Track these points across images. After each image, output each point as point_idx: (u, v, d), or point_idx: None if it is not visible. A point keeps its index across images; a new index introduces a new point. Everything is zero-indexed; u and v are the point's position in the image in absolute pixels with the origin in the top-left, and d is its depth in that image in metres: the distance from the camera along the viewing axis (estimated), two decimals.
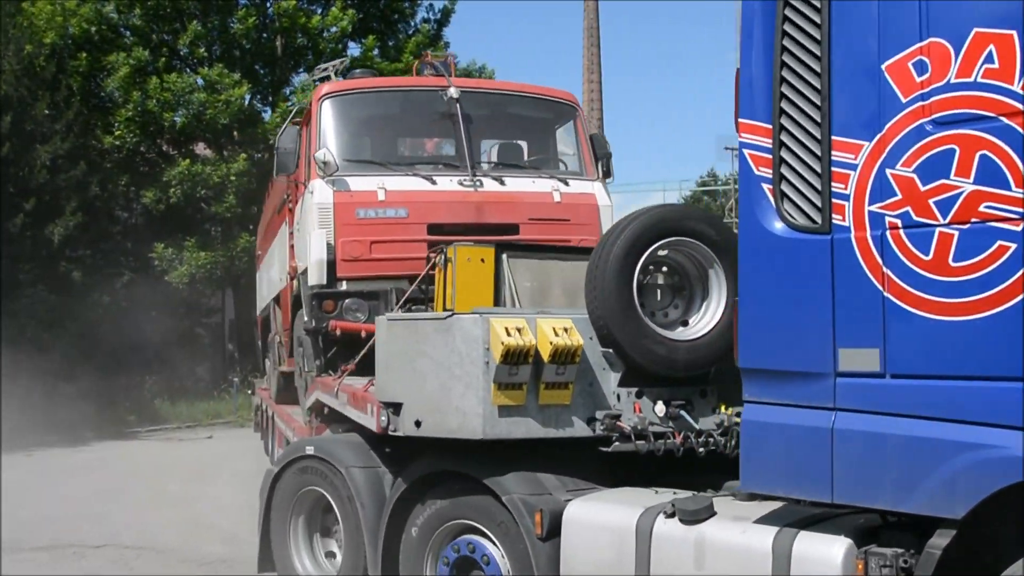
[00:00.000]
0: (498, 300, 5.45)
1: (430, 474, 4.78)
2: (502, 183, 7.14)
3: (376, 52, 22.09)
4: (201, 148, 22.79)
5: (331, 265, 6.69)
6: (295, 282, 7.77)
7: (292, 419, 8.84)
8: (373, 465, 5.21)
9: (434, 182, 7.00)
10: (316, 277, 6.75)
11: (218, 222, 22.09)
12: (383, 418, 4.60)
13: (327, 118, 7.14)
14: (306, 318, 7.07)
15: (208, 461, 13.89)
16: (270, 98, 22.34)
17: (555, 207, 7.20)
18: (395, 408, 4.58)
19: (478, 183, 7.01)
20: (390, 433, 4.59)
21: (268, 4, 21.56)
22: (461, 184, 6.98)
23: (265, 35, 21.83)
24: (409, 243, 6.78)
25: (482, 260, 5.50)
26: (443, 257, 5.64)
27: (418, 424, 4.42)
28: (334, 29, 21.51)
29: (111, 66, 20.49)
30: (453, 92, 7.15)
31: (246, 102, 21.41)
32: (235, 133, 21.46)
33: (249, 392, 18.07)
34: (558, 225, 7.12)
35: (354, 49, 22.57)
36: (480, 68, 23.48)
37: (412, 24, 23.65)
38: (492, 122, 7.65)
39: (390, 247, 6.83)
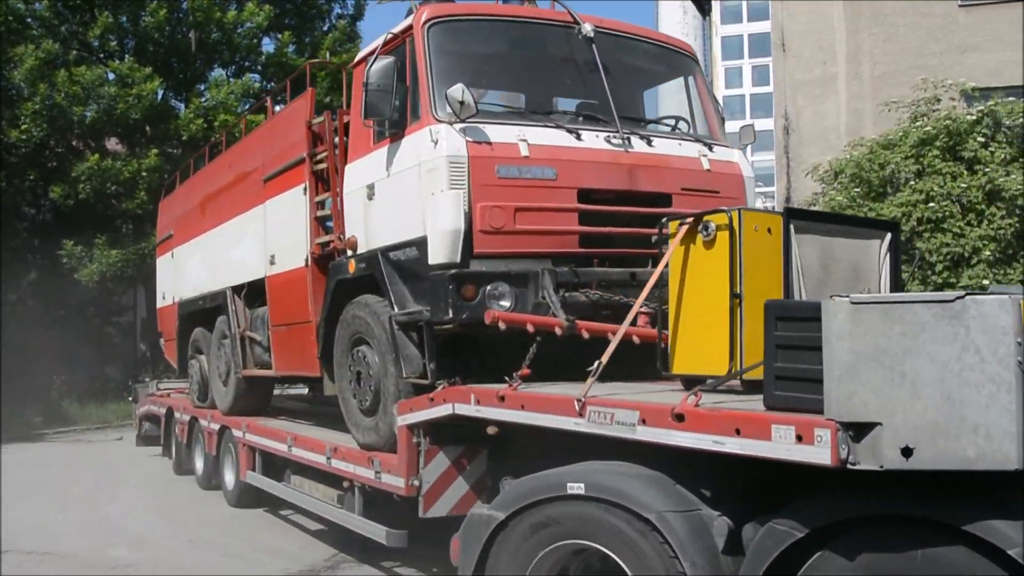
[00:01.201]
0: (788, 283, 4.25)
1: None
2: (650, 144, 5.98)
3: (292, 48, 21.70)
4: (112, 143, 21.94)
5: (467, 237, 5.38)
6: (352, 262, 6.46)
7: (280, 434, 7.96)
8: (693, 508, 3.82)
9: (579, 137, 5.75)
10: (445, 252, 5.40)
11: (129, 219, 21.31)
12: (841, 447, 3.16)
13: (437, 49, 5.78)
14: (415, 307, 5.69)
15: (117, 463, 13.50)
16: (184, 93, 21.59)
17: (704, 176, 6.11)
18: (861, 431, 3.17)
19: (627, 142, 5.87)
20: (851, 467, 3.18)
21: None
22: (609, 142, 5.81)
23: (179, 29, 21.12)
24: (556, 212, 5.57)
25: (769, 230, 4.32)
26: (685, 227, 4.42)
27: (908, 453, 3.11)
28: (249, 24, 20.92)
29: (18, 58, 19.39)
30: (588, 29, 6.03)
31: (159, 97, 20.67)
32: (147, 128, 20.70)
33: (129, 399, 16.05)
34: (708, 198, 5.86)
35: (269, 45, 22.08)
36: None
37: (329, 20, 23.09)
38: (624, 69, 6.32)
39: (535, 217, 5.52)
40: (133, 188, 20.00)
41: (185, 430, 11.43)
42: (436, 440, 5.69)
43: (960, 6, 19.89)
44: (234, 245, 9.45)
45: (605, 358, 4.38)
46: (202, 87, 21.57)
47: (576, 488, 4.09)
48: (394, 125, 6.03)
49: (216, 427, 10.04)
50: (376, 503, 6.62)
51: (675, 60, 6.80)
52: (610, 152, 5.87)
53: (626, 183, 5.89)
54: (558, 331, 5.29)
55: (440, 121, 5.64)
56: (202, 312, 10.76)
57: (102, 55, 21.33)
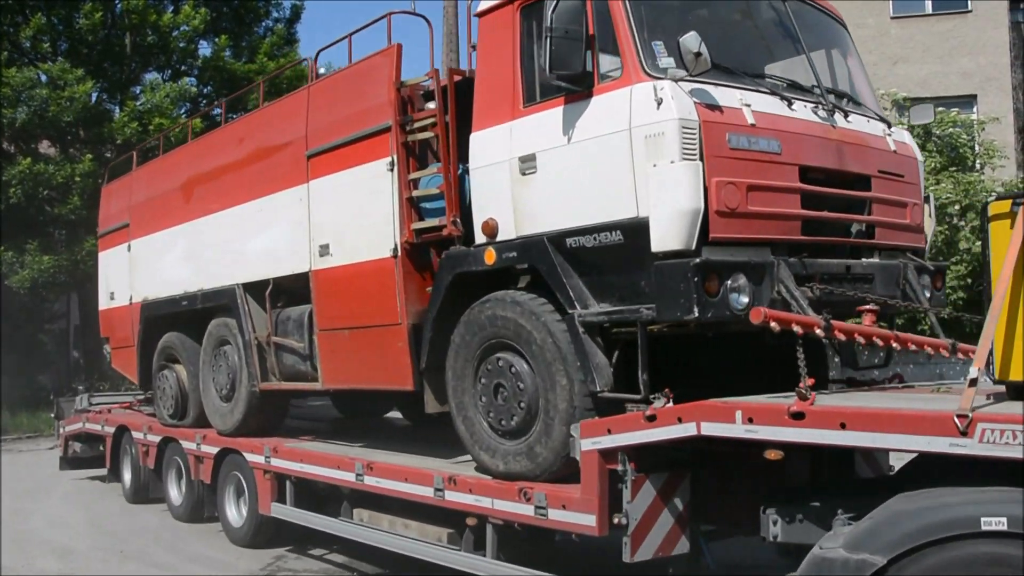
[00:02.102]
0: None
1: None
2: (847, 119, 5.24)
3: (229, 52, 20.81)
4: (44, 146, 20.91)
5: (704, 219, 4.41)
6: (491, 251, 5.34)
7: (338, 461, 6.60)
8: None
9: (791, 106, 4.94)
10: (678, 237, 4.41)
11: (62, 224, 20.06)
12: None
13: None
14: (612, 306, 4.76)
15: (47, 473, 12.47)
16: (118, 96, 20.45)
17: (892, 158, 5.43)
18: None
19: (833, 116, 5.10)
20: None
21: (116, 0, 19.78)
22: (816, 114, 5.03)
23: (114, 31, 20.09)
24: (782, 193, 4.70)
25: None
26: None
27: None
28: (185, 27, 20.03)
29: None
30: None
31: (92, 99, 19.52)
32: (81, 132, 19.61)
33: (52, 416, 13.92)
34: (896, 183, 5.36)
35: (205, 48, 21.26)
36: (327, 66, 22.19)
37: (266, 24, 22.30)
38: (812, 35, 5.52)
39: (763, 197, 4.63)
40: (67, 193, 18.90)
41: (152, 453, 9.60)
42: (641, 467, 4.61)
43: (892, 18, 20.48)
44: (249, 234, 7.85)
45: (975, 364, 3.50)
46: (137, 90, 20.69)
47: (995, 523, 3.18)
48: (577, 81, 4.89)
49: (213, 451, 8.37)
50: (510, 542, 5.48)
51: (838, 29, 5.99)
52: (820, 126, 5.05)
53: (836, 162, 5.06)
54: (818, 332, 4.39)
55: (658, 77, 4.60)
56: (181, 314, 9.05)
57: (34, 57, 20.19)
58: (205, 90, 20.96)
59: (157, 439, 9.46)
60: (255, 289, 7.86)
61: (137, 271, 9.97)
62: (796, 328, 4.28)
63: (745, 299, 4.49)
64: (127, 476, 10.41)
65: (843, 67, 5.86)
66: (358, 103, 6.54)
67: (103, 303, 10.98)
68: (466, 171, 5.75)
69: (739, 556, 5.65)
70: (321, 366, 7.00)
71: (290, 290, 7.49)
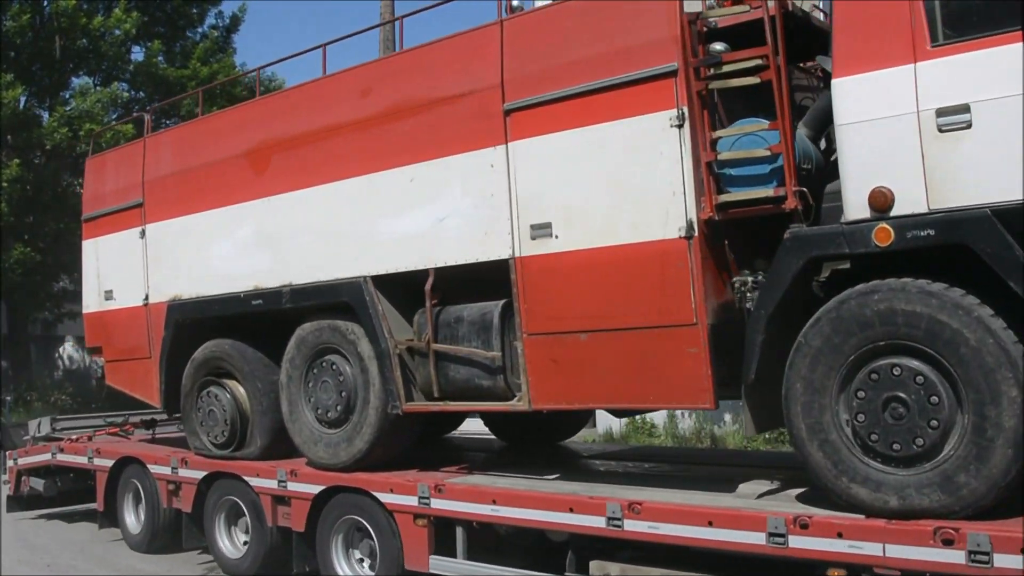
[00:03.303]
0: None
1: None
2: None
3: (161, 57, 20.25)
4: None
5: None
6: (887, 228, 4.15)
7: (529, 499, 5.23)
8: None
9: None
10: None
11: None
12: None
13: None
14: None
15: None
16: (48, 101, 19.67)
17: None
18: None
19: None
20: None
21: (45, 3, 19.01)
22: None
23: (43, 35, 19.20)
24: None
25: None
26: None
27: None
28: (117, 31, 19.29)
29: None
30: None
31: (21, 104, 18.82)
32: (8, 137, 18.80)
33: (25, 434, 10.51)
34: None
35: (138, 53, 20.60)
36: (270, 79, 20.96)
37: (200, 30, 21.70)
38: None
39: None
40: None
41: (189, 492, 7.49)
42: None
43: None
44: (386, 211, 6.13)
45: None
46: (67, 95, 19.83)
47: None
48: None
49: (311, 490, 6.51)
50: None
51: None
52: None
53: None
54: None
55: None
56: (238, 317, 7.13)
57: None
58: (137, 95, 20.43)
59: (198, 475, 7.39)
60: (388, 283, 6.16)
61: (160, 263, 7.85)
62: None
63: None
64: (132, 519, 8.25)
65: None
66: (611, 41, 5.10)
67: (91, 304, 8.65)
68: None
69: None
70: (529, 380, 5.45)
71: (452, 284, 5.88)
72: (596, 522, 5.02)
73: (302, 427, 6.66)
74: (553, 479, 5.90)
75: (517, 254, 5.46)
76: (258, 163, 7.02)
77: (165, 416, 9.13)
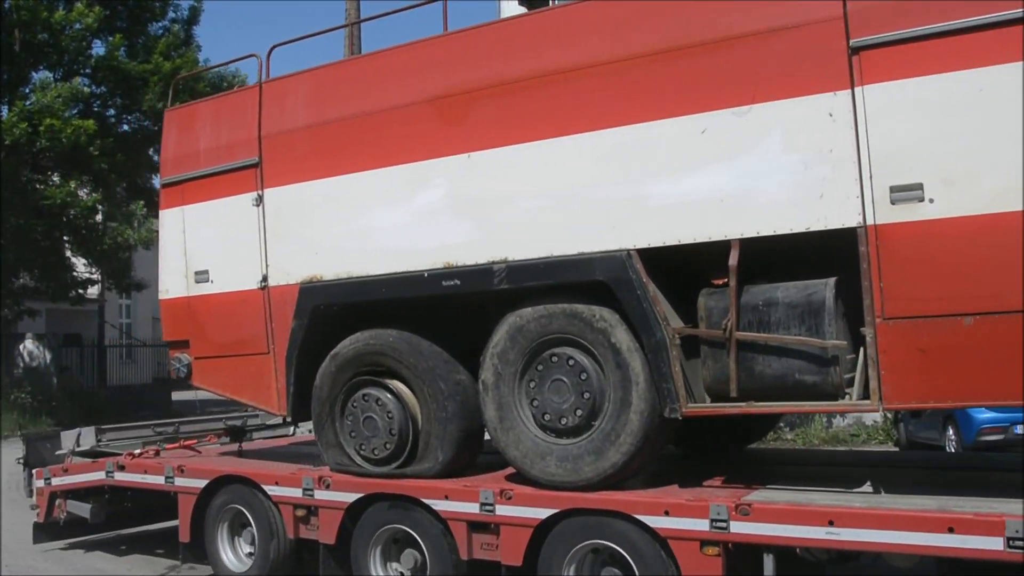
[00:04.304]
0: None
1: None
2: None
3: (123, 52, 19.99)
4: None
5: None
6: None
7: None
8: None
9: None
10: None
11: None
12: None
13: None
14: None
15: None
16: (7, 95, 19.38)
17: None
18: None
19: None
20: None
21: None
22: None
23: (2, 28, 18.85)
24: None
25: None
26: None
27: None
28: (78, 25, 18.99)
29: None
30: None
31: None
32: None
33: (18, 461, 8.85)
34: None
35: (99, 47, 20.21)
36: (234, 75, 20.32)
37: (162, 24, 21.44)
38: None
39: None
40: None
41: (333, 521, 6.00)
42: None
43: None
44: (661, 169, 5.01)
45: None
46: (27, 89, 19.60)
47: None
48: None
49: (538, 515, 5.23)
50: None
51: None
52: None
53: None
54: None
55: None
56: (410, 302, 5.81)
57: None
58: (98, 90, 20.29)
59: (347, 498, 5.94)
60: (652, 259, 5.04)
61: (286, 236, 6.38)
62: None
63: None
64: (229, 554, 6.66)
65: None
66: None
67: (173, 288, 6.99)
68: None
69: None
70: (881, 375, 4.47)
71: (775, 256, 4.87)
72: (994, 544, 4.08)
73: (520, 437, 5.39)
74: (863, 492, 4.93)
75: (871, 221, 4.49)
76: (450, 112, 5.73)
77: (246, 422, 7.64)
